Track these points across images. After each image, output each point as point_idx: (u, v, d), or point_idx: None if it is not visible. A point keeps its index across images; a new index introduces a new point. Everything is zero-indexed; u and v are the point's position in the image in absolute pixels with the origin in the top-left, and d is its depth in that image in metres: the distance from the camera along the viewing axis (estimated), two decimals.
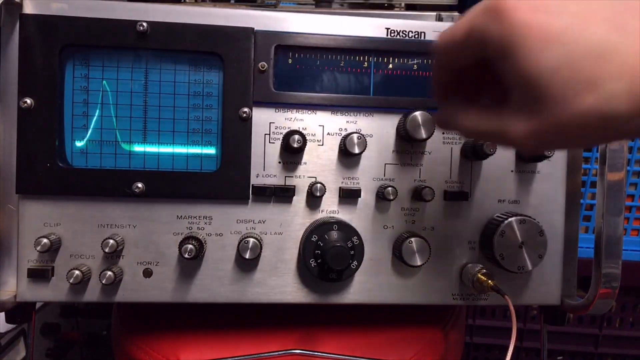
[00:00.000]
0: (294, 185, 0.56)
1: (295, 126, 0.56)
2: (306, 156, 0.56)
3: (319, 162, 0.57)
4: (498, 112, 0.37)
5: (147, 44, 0.53)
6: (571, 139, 0.35)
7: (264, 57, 0.54)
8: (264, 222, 0.56)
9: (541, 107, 0.33)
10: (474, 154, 0.57)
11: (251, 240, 0.54)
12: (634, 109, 0.31)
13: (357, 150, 0.55)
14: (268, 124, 0.56)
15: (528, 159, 0.59)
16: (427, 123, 0.55)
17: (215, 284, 0.56)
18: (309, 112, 0.56)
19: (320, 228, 0.54)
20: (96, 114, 0.54)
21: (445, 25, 0.58)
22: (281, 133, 0.56)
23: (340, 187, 0.57)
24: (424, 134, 0.55)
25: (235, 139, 0.55)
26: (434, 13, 0.77)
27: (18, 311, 0.55)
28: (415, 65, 0.57)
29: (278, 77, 0.55)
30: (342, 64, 0.56)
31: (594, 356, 1.11)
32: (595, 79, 0.31)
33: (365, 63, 0.57)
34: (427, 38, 0.57)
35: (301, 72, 0.56)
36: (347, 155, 0.56)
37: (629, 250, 0.94)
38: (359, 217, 0.57)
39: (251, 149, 0.55)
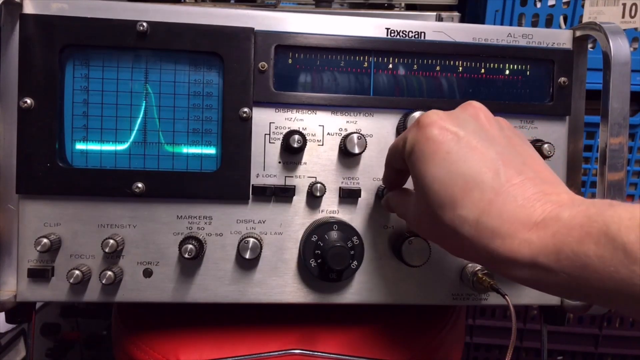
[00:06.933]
0: (294, 185, 0.56)
1: (295, 126, 0.56)
2: (306, 156, 0.56)
3: (319, 162, 0.57)
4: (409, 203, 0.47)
5: (147, 44, 0.53)
6: (436, 239, 0.44)
7: (264, 57, 0.54)
8: (264, 222, 0.56)
9: (423, 202, 0.42)
10: None
11: (251, 240, 0.54)
12: (475, 237, 0.38)
13: (357, 150, 0.55)
14: (268, 124, 0.56)
15: None
16: None
17: (215, 284, 0.56)
18: (309, 112, 0.56)
19: (320, 228, 0.54)
20: (96, 114, 0.54)
21: (445, 25, 0.58)
22: (281, 133, 0.56)
23: (340, 187, 0.57)
24: None
25: (236, 139, 0.55)
26: (434, 13, 0.77)
27: (18, 311, 0.55)
28: (415, 66, 0.57)
29: (278, 77, 0.55)
30: (342, 64, 0.56)
31: (594, 356, 1.11)
32: (456, 201, 0.38)
33: (365, 63, 0.57)
34: (427, 38, 0.57)
35: (301, 72, 0.56)
36: (347, 155, 0.56)
37: None
38: (359, 217, 0.57)
39: (251, 149, 0.55)
